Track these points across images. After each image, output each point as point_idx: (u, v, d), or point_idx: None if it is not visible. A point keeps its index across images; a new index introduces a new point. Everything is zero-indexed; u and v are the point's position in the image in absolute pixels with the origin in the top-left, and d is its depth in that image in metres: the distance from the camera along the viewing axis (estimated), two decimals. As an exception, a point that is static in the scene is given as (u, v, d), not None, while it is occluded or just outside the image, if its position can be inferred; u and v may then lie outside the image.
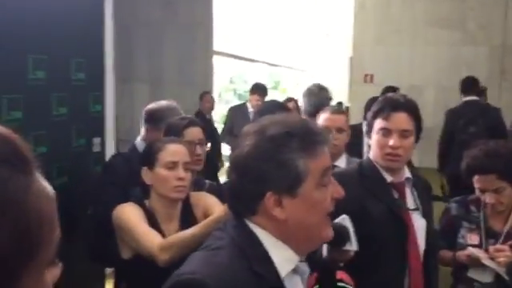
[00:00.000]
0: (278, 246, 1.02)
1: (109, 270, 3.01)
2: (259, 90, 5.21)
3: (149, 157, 1.84)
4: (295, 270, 1.05)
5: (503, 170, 1.98)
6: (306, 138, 1.02)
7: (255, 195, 1.00)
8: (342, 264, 1.46)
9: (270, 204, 1.00)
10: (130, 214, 1.78)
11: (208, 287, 0.91)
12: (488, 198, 2.01)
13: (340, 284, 1.11)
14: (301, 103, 5.00)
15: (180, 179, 1.79)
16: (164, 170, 1.79)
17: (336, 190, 1.06)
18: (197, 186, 2.07)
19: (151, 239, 1.70)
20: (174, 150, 1.82)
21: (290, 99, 5.02)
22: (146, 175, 1.83)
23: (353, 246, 1.41)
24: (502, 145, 2.11)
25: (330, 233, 1.07)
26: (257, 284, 0.96)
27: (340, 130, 2.43)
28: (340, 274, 1.13)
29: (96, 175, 2.79)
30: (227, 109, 5.14)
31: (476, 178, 2.04)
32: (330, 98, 3.45)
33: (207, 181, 2.19)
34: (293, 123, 1.04)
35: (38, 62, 2.43)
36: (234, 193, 1.05)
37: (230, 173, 1.06)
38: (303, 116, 3.17)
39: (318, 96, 3.31)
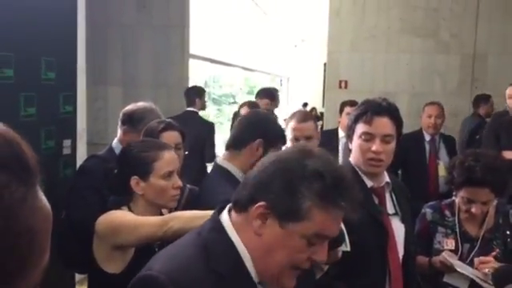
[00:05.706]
0: (246, 253, 1.02)
1: (79, 277, 2.90)
2: (269, 95, 5.01)
3: (142, 166, 1.70)
4: None
5: (499, 184, 1.94)
6: (331, 191, 0.97)
7: (252, 196, 1.00)
8: (327, 267, 1.43)
9: (255, 212, 0.99)
10: (122, 213, 1.67)
11: (161, 282, 0.93)
12: (475, 209, 1.98)
13: None
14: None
15: (177, 188, 1.73)
16: (161, 181, 1.70)
17: (321, 254, 1.01)
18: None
19: (154, 218, 1.61)
20: (170, 159, 1.73)
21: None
22: (137, 185, 1.70)
23: (347, 246, 1.37)
24: (495, 157, 2.06)
25: (290, 285, 1.02)
26: (214, 282, 0.95)
27: (309, 138, 2.34)
28: None
29: (67, 178, 2.69)
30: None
31: (467, 189, 1.98)
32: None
33: (188, 185, 2.13)
34: (333, 170, 1.00)
35: (5, 60, 2.32)
36: (245, 181, 1.05)
37: (258, 165, 1.06)
38: None
39: None
